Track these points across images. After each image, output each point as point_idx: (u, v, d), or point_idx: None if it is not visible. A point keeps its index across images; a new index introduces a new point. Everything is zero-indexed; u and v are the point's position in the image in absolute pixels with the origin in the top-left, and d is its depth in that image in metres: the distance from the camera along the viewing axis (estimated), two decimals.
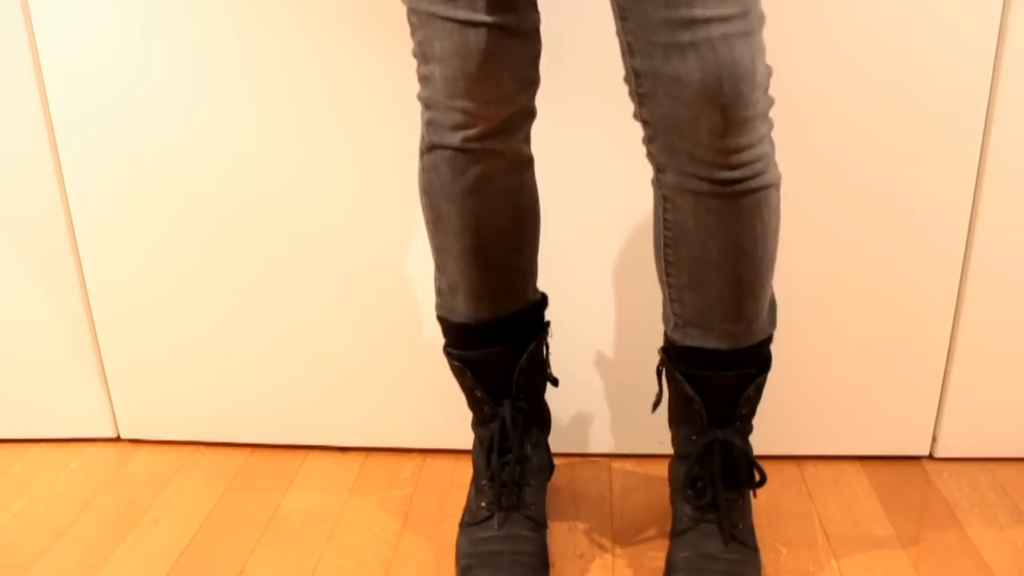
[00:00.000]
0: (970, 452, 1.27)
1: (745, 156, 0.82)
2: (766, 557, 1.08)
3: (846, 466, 1.27)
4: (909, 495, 1.20)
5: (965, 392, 1.24)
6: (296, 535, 1.15)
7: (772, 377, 1.24)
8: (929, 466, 1.27)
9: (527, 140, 0.96)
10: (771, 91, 1.12)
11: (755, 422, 1.27)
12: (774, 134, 1.10)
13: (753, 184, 0.83)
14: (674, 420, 1.01)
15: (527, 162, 0.98)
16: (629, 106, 1.12)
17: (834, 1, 1.08)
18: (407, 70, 1.14)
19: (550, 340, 1.18)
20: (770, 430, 1.28)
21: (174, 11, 1.15)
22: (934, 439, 1.28)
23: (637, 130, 1.13)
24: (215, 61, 1.16)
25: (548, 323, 1.07)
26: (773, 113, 1.12)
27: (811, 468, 1.27)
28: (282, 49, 1.15)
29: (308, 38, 1.14)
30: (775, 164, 0.86)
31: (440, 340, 1.25)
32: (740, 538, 0.98)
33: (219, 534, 1.16)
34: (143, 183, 1.23)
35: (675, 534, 1.01)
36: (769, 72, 0.81)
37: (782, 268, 1.19)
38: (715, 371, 0.94)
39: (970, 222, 1.17)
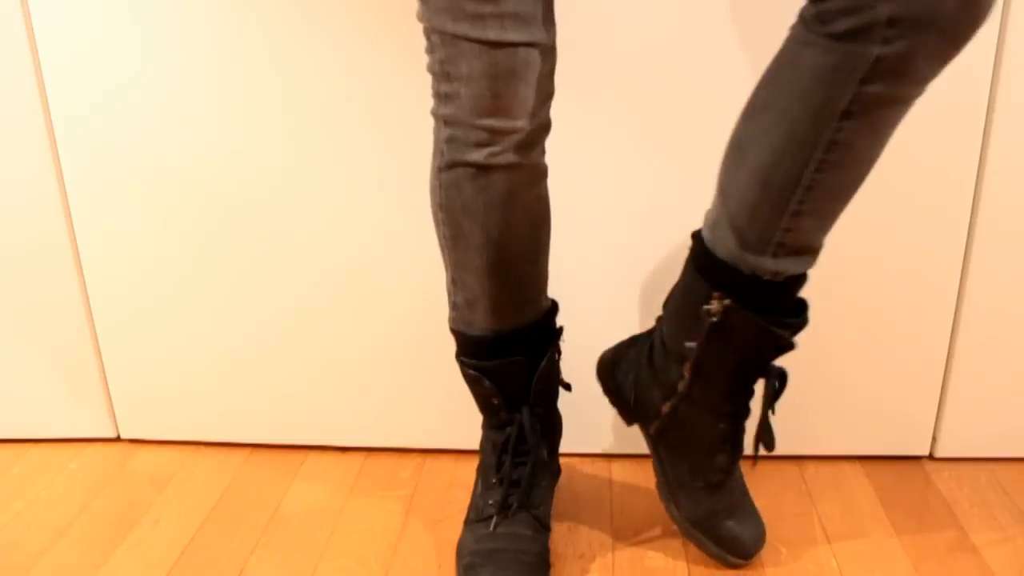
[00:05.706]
0: (970, 452, 1.27)
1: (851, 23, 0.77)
2: (766, 557, 1.08)
3: (846, 466, 1.27)
4: (909, 495, 1.20)
5: (965, 392, 1.24)
6: (296, 535, 1.15)
7: None
8: (929, 466, 1.27)
9: (543, 152, 0.97)
10: None
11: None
12: None
13: (849, 38, 0.77)
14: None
15: (543, 173, 0.98)
16: (631, 111, 1.12)
17: None
18: (402, 69, 1.14)
19: (561, 344, 1.19)
20: None
21: (171, 11, 1.15)
22: (934, 439, 1.28)
23: (640, 135, 1.13)
24: (214, 59, 1.16)
25: (561, 328, 1.08)
26: None
27: (811, 468, 1.27)
28: (279, 48, 1.15)
29: (305, 38, 1.14)
30: None
31: (442, 342, 1.26)
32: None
33: (219, 534, 1.16)
34: (143, 183, 1.23)
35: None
36: None
37: None
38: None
39: (970, 222, 1.17)
